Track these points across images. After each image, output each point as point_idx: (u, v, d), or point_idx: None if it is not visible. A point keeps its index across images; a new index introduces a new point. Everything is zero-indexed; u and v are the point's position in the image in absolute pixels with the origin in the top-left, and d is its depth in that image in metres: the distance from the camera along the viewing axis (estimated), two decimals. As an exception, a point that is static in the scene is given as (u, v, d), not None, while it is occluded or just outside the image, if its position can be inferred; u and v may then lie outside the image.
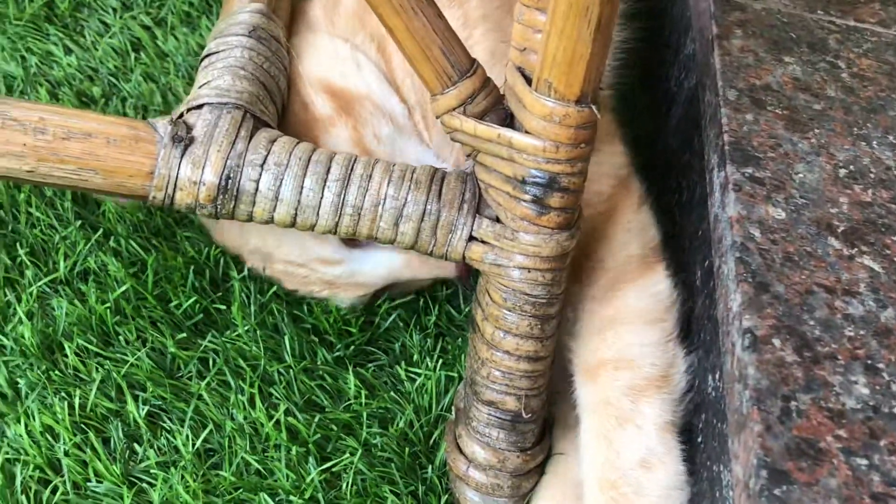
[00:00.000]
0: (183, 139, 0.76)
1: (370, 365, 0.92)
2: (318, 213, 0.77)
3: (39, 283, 0.93)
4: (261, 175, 0.76)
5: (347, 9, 0.95)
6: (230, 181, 0.76)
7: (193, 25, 1.24)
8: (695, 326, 0.84)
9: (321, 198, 0.77)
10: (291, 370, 0.89)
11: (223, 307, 0.94)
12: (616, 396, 0.78)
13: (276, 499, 0.80)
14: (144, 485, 0.81)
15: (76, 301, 0.91)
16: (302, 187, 0.76)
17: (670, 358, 0.80)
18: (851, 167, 0.83)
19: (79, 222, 0.98)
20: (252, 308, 0.93)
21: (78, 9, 1.26)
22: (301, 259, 0.89)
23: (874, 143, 0.86)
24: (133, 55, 1.19)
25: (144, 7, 1.27)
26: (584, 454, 0.79)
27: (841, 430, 0.62)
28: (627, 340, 0.80)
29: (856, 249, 0.75)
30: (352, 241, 0.87)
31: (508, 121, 0.74)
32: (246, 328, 0.92)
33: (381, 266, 0.89)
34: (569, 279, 0.79)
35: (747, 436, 0.61)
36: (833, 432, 0.61)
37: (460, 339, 0.95)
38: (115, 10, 1.26)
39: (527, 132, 0.72)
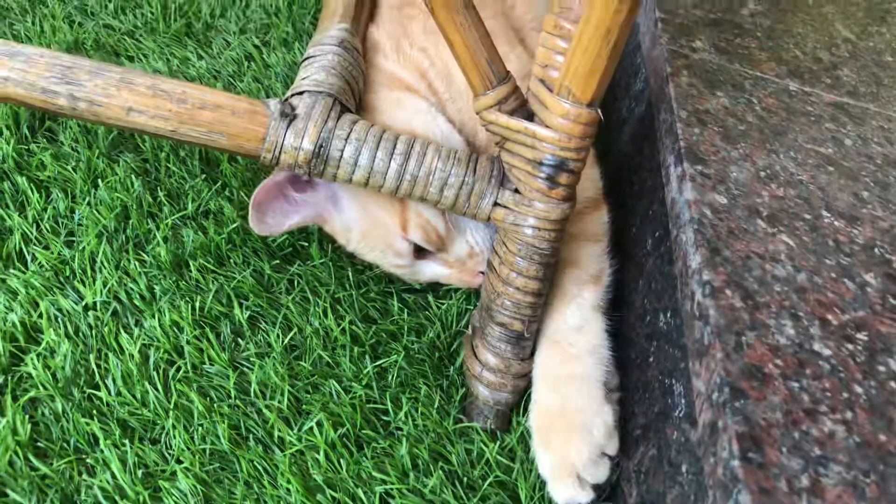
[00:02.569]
0: (289, 115, 0.69)
1: (408, 295, 0.84)
2: (385, 178, 0.70)
3: (173, 217, 0.84)
4: (345, 146, 0.69)
5: (414, 44, 0.86)
6: (322, 149, 0.68)
7: (290, 47, 1.15)
8: (648, 279, 0.77)
9: (388, 166, 0.69)
10: (353, 293, 0.81)
11: (305, 244, 0.85)
12: (566, 284, 0.75)
13: (342, 384, 0.73)
14: (245, 369, 0.73)
15: (199, 232, 0.83)
16: (375, 157, 0.69)
17: (604, 265, 0.79)
18: (768, 171, 0.76)
19: (203, 176, 0.89)
20: (328, 248, 0.84)
21: (208, 29, 1.17)
22: (383, 263, 0.82)
23: (781, 155, 0.79)
24: (246, 64, 1.10)
25: (255, 32, 1.17)
26: (546, 321, 0.74)
27: (778, 359, 0.55)
28: (581, 251, 0.79)
29: (776, 229, 0.68)
30: (419, 255, 0.80)
31: (531, 118, 0.66)
32: (321, 261, 0.84)
33: (431, 272, 0.81)
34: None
35: (709, 360, 0.54)
36: (773, 361, 0.54)
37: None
38: (234, 32, 1.16)
39: (546, 126, 0.65)
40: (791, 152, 0.81)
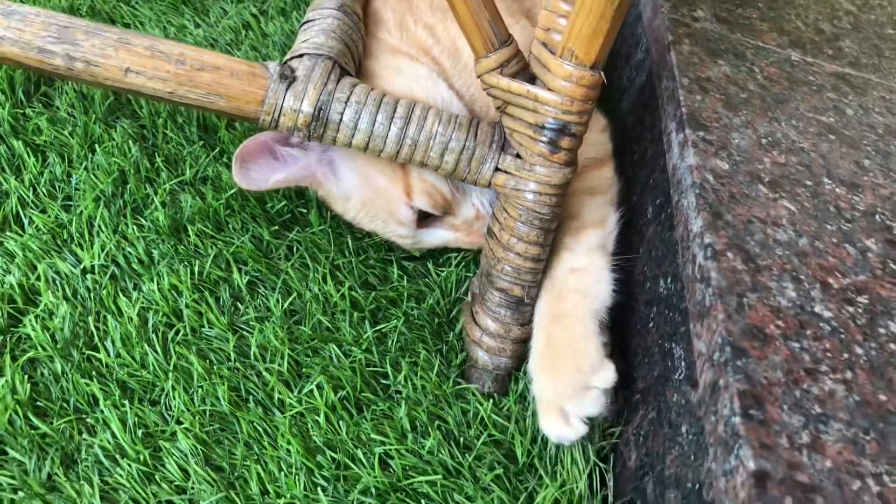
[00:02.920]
0: (288, 77, 0.68)
1: (408, 262, 0.83)
2: (385, 142, 0.69)
3: (171, 183, 0.83)
4: (344, 109, 0.68)
5: (421, 20, 0.84)
6: (321, 112, 0.68)
7: (287, 16, 1.14)
8: (648, 246, 0.76)
9: (388, 130, 0.69)
10: (353, 260, 0.80)
11: (304, 211, 0.84)
12: (566, 233, 0.75)
13: (342, 349, 0.72)
14: (244, 333, 0.73)
15: (197, 197, 0.83)
16: (375, 121, 0.68)
17: (606, 211, 0.78)
18: (770, 138, 0.75)
19: (201, 142, 0.88)
20: (326, 215, 0.84)
21: (205, -3, 1.15)
22: (384, 233, 0.81)
23: (783, 123, 0.78)
24: (244, 32, 1.09)
25: (253, 1, 1.15)
26: (548, 267, 0.73)
27: (779, 321, 0.55)
28: (582, 203, 0.78)
29: (777, 194, 0.68)
30: (421, 223, 0.79)
31: (533, 81, 0.65)
32: (320, 228, 0.83)
33: (437, 238, 0.81)
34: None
35: (711, 321, 0.54)
36: (774, 322, 0.54)
37: (469, 254, 0.86)
38: (232, 1, 1.14)
39: (549, 89, 0.64)
40: (793, 120, 0.80)
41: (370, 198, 0.78)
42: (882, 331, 0.57)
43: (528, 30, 0.86)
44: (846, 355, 0.54)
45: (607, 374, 0.65)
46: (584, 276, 0.71)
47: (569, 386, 0.65)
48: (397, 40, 0.82)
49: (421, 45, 0.82)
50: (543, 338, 0.69)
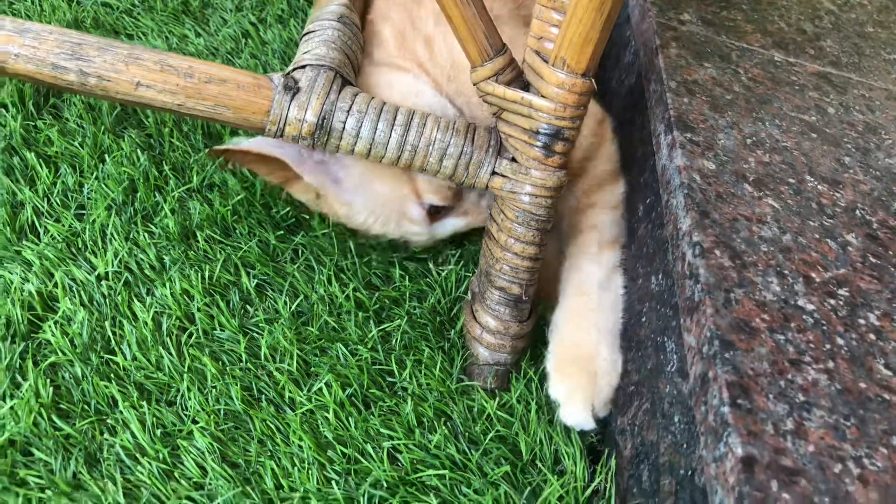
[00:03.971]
0: (292, 88, 0.70)
1: (409, 263, 0.86)
2: (386, 149, 0.71)
3: (179, 190, 0.85)
4: (347, 118, 0.70)
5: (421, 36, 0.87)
6: (325, 121, 0.70)
7: (285, 24, 1.16)
8: (640, 244, 0.79)
9: (389, 137, 0.71)
10: (356, 261, 0.83)
11: (307, 216, 0.87)
12: (589, 245, 0.81)
13: (348, 348, 0.75)
14: (254, 334, 0.75)
15: (205, 204, 0.85)
16: (376, 129, 0.71)
17: (621, 230, 0.84)
18: (754, 138, 0.78)
19: (206, 149, 0.90)
20: (328, 219, 0.86)
21: (205, 7, 1.17)
22: (398, 234, 0.84)
23: (767, 123, 0.81)
24: (243, 41, 1.11)
25: (251, 9, 1.18)
26: (568, 276, 0.80)
27: (765, 314, 0.57)
28: (600, 217, 0.83)
29: (762, 192, 0.70)
30: (433, 218, 0.82)
31: (527, 88, 0.68)
32: (323, 232, 0.85)
33: (450, 227, 0.84)
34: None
35: (700, 316, 0.57)
36: (759, 316, 0.57)
37: (469, 250, 0.88)
38: (231, 10, 1.16)
39: (542, 96, 0.66)
40: (776, 120, 0.83)
41: (378, 203, 0.80)
42: (862, 322, 0.59)
43: None
44: (828, 346, 0.56)
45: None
46: (610, 293, 0.78)
47: (604, 389, 0.73)
48: (394, 55, 0.84)
49: (416, 58, 0.84)
50: (574, 341, 0.75)
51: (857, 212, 0.71)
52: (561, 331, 0.76)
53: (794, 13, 1.06)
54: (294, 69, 0.73)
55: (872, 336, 0.58)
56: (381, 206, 0.80)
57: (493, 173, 0.72)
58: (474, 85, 0.70)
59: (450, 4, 0.65)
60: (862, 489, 0.47)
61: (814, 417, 0.51)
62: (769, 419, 0.50)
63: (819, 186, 0.73)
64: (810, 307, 0.59)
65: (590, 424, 0.71)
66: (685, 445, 0.58)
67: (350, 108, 0.70)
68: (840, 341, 0.57)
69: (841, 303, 0.61)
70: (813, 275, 0.62)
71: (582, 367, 0.73)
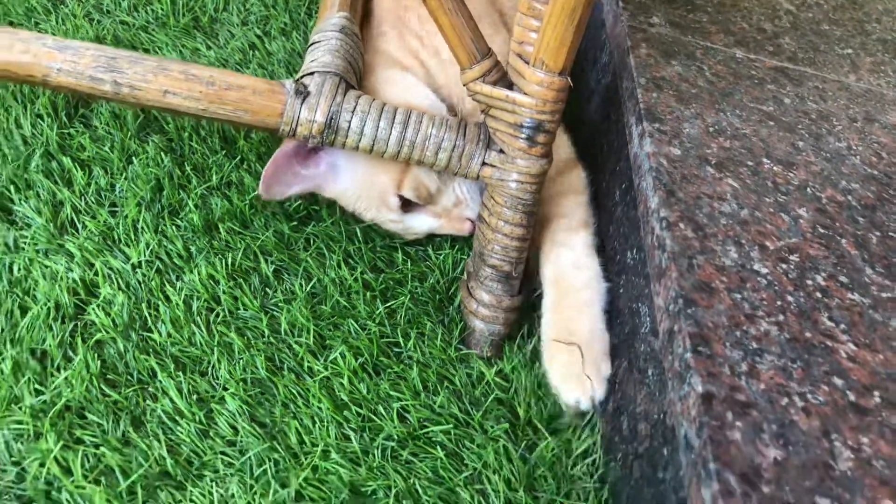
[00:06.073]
0: (303, 93, 0.76)
1: (410, 248, 0.92)
2: (387, 144, 0.77)
3: (201, 188, 0.92)
4: (352, 118, 0.77)
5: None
6: (332, 121, 0.76)
7: (288, 36, 1.21)
8: (617, 224, 0.85)
9: (390, 134, 0.77)
10: (362, 247, 0.89)
11: (317, 208, 0.93)
12: (559, 232, 0.84)
13: (358, 323, 0.81)
14: (274, 313, 0.82)
15: (225, 200, 0.91)
16: (378, 127, 0.77)
17: (588, 212, 0.88)
18: (716, 127, 0.84)
19: (223, 151, 0.97)
20: (336, 210, 0.92)
21: (213, 22, 1.23)
22: (379, 220, 0.89)
23: (728, 113, 0.87)
24: (250, 52, 1.16)
25: (256, 24, 1.24)
26: (545, 262, 0.83)
27: (723, 277, 0.63)
28: (565, 203, 0.87)
29: (723, 174, 0.77)
30: (406, 208, 0.88)
31: (511, 87, 0.74)
32: (332, 221, 0.92)
33: (424, 224, 0.90)
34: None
35: (666, 280, 0.63)
36: (719, 278, 0.63)
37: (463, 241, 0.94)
38: (237, 24, 1.23)
39: (524, 94, 0.73)
40: (737, 110, 0.89)
41: (365, 190, 0.87)
42: (809, 282, 0.66)
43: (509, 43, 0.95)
44: (779, 303, 0.63)
45: (609, 366, 0.77)
46: (587, 272, 0.81)
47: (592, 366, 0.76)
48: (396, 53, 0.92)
49: (412, 51, 0.92)
50: (562, 322, 0.78)
51: (809, 189, 0.78)
52: (547, 316, 0.80)
53: (755, 14, 1.13)
54: (303, 76, 0.80)
55: (819, 294, 0.65)
56: (367, 192, 0.87)
57: (484, 164, 0.78)
58: (464, 85, 0.76)
59: (440, 14, 0.71)
60: (805, 418, 0.54)
61: (765, 361, 0.58)
62: (726, 363, 0.57)
63: (774, 168, 0.80)
64: (764, 270, 0.66)
65: (586, 404, 0.75)
66: (658, 393, 0.65)
67: (354, 108, 0.77)
68: (790, 298, 0.64)
69: (792, 267, 0.67)
70: (767, 243, 0.69)
71: (572, 348, 0.76)
